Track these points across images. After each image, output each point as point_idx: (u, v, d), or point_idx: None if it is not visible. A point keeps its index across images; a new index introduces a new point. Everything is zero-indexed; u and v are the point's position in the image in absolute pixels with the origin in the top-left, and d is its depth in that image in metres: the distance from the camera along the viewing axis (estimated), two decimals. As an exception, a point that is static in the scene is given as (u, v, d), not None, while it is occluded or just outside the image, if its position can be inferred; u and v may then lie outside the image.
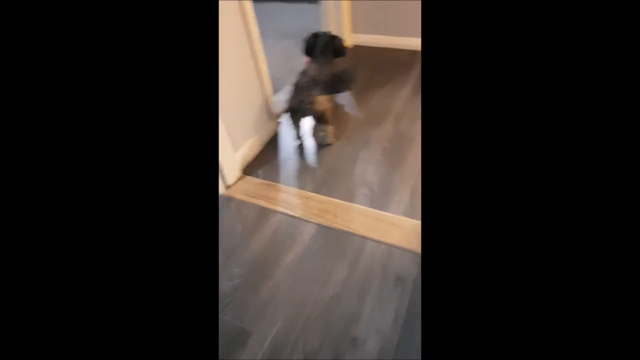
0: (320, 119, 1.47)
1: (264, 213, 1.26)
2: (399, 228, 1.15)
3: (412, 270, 1.03)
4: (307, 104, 1.38)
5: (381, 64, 1.98)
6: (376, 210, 1.21)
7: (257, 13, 1.45)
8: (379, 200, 1.25)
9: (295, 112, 1.43)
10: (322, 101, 1.43)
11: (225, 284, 1.05)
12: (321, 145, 1.52)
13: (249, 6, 1.27)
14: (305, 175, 1.39)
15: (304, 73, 1.45)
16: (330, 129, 1.51)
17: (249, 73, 1.39)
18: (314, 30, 1.60)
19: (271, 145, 1.56)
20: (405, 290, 0.99)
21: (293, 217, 1.23)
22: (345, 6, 2.05)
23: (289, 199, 1.30)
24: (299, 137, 1.53)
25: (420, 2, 1.88)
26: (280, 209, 1.26)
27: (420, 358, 0.86)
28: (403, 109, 1.64)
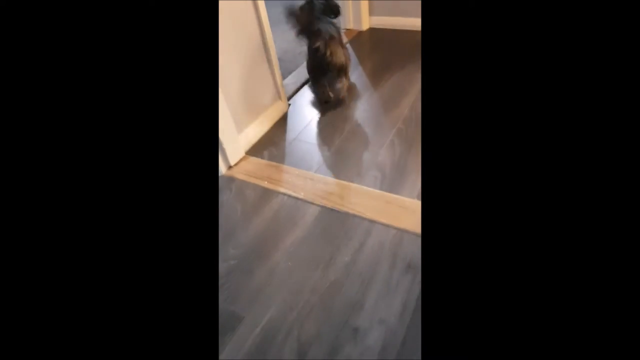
0: (339, 72, 1.44)
1: (266, 194, 1.18)
2: (410, 211, 1.04)
3: (425, 257, 0.92)
4: (327, 57, 1.37)
5: (399, 46, 1.87)
6: (386, 193, 1.11)
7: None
8: (391, 183, 1.14)
9: (318, 67, 1.42)
10: (340, 54, 1.41)
11: (220, 265, 0.98)
12: (338, 100, 1.52)
13: None
14: (312, 156, 1.30)
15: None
16: (346, 82, 1.50)
17: (256, 53, 1.32)
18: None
19: (279, 126, 1.48)
20: (415, 278, 0.88)
21: (296, 198, 1.14)
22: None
23: (293, 180, 1.21)
24: (323, 93, 1.50)
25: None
26: (282, 190, 1.18)
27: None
28: (420, 91, 1.52)
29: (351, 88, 1.61)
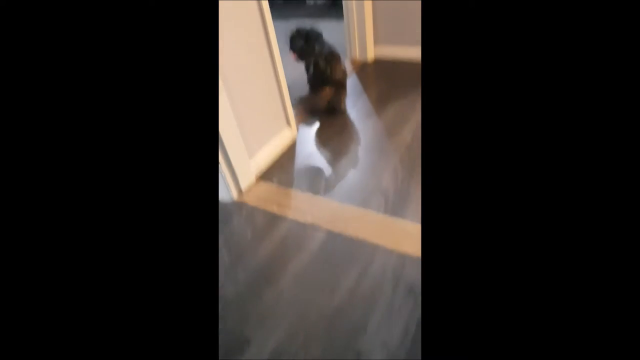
0: (338, 86, 1.68)
1: (275, 219, 1.23)
2: (413, 236, 1.07)
3: (426, 281, 0.95)
4: (326, 72, 1.63)
5: (402, 76, 1.95)
6: (390, 218, 1.15)
7: (281, 28, 1.51)
8: (394, 208, 1.19)
9: (319, 80, 1.66)
10: (338, 70, 1.66)
11: (228, 290, 1.02)
12: (336, 110, 1.73)
13: (268, 15, 1.29)
14: (319, 181, 1.36)
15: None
16: (344, 96, 1.74)
17: (267, 81, 1.41)
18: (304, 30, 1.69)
19: (288, 152, 1.55)
20: (417, 302, 0.91)
21: (303, 223, 1.20)
22: (369, 17, 2.06)
23: (301, 205, 1.27)
24: (322, 103, 1.72)
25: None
26: (291, 215, 1.23)
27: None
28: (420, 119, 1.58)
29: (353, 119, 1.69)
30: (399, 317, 0.89)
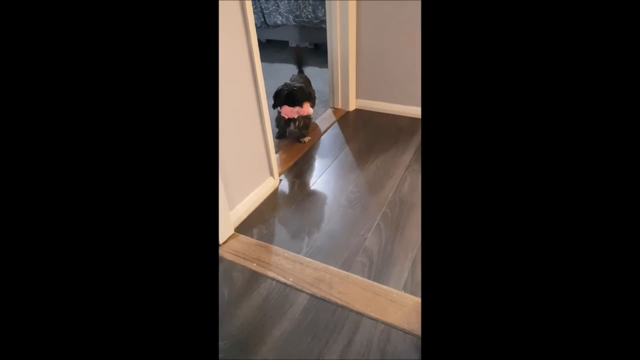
0: (304, 124, 1.85)
1: (254, 277, 1.18)
2: (398, 305, 1.06)
3: (413, 356, 0.93)
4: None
5: (383, 128, 2.02)
6: (374, 283, 1.13)
7: (268, 73, 1.53)
8: (378, 271, 1.18)
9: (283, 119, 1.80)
10: (306, 107, 1.78)
11: (203, 360, 0.94)
12: (298, 139, 1.91)
13: (258, 61, 1.29)
14: (302, 237, 1.33)
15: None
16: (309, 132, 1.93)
17: (253, 130, 1.39)
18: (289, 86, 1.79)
19: (269, 202, 1.52)
20: (404, 381, 0.88)
21: (285, 284, 1.15)
22: (352, 73, 2.14)
23: (282, 263, 1.22)
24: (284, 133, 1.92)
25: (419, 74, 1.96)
26: (271, 274, 1.18)
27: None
28: (404, 175, 1.63)
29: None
30: (386, 399, 0.85)
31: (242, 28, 1.20)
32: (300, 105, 1.76)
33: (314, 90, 2.03)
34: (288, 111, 1.76)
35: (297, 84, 1.78)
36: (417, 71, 1.98)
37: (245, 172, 1.40)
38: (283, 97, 1.75)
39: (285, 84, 1.78)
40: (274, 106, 1.79)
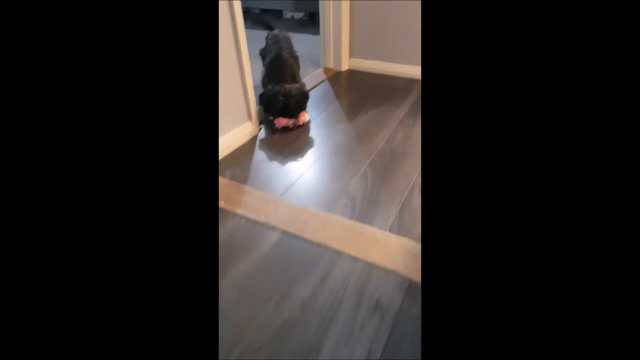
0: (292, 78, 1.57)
1: (221, 214, 1.04)
2: (382, 245, 0.93)
3: (395, 296, 0.80)
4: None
5: (377, 87, 1.89)
6: (357, 223, 1.00)
7: (260, 39, 1.63)
8: (362, 213, 1.04)
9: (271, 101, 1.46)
10: (302, 117, 1.50)
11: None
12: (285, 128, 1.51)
13: (237, 4, 1.18)
14: (279, 181, 1.19)
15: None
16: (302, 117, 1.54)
17: (230, 69, 1.26)
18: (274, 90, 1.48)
19: (247, 148, 1.38)
20: (384, 321, 0.75)
21: (255, 222, 1.01)
22: (345, 27, 2.00)
23: (254, 202, 1.08)
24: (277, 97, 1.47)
25: (418, 30, 1.84)
26: (241, 211, 1.04)
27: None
28: (397, 128, 1.50)
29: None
30: (361, 338, 0.71)
31: None
32: (297, 117, 1.49)
33: (295, 50, 1.82)
34: (283, 122, 1.47)
35: (294, 90, 1.46)
36: (415, 27, 1.85)
37: (221, 110, 1.26)
38: (278, 108, 1.43)
39: (278, 89, 1.45)
40: (267, 112, 1.49)
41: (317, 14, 3.14)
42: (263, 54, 1.80)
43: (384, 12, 1.89)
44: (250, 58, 1.33)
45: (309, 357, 0.68)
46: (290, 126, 1.50)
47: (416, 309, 0.77)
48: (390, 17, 1.89)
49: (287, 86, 1.47)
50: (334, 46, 2.06)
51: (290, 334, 0.72)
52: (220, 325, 0.74)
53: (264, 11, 3.50)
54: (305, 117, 1.53)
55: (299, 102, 1.47)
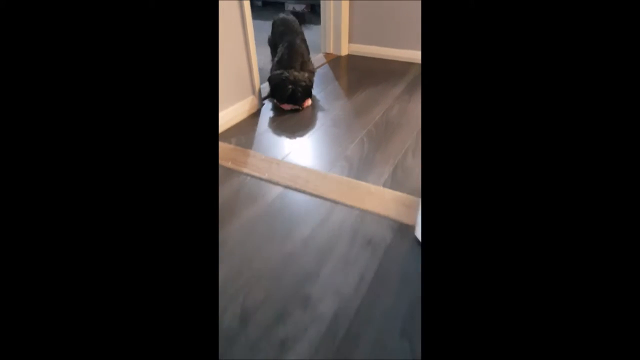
0: (302, 64, 1.58)
1: (228, 173, 1.12)
2: (376, 196, 1.01)
3: (386, 235, 0.88)
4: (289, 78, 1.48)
5: (375, 70, 1.97)
6: (353, 180, 1.08)
7: (263, 29, 1.47)
8: (358, 173, 1.13)
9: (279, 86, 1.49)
10: (307, 103, 1.56)
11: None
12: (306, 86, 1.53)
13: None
14: (281, 147, 1.27)
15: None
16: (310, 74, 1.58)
17: (236, 46, 1.35)
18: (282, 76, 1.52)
19: (250, 120, 1.46)
20: (375, 253, 0.83)
21: (260, 179, 1.10)
22: (345, 21, 2.09)
23: (259, 163, 1.17)
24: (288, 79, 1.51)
25: (415, 16, 1.92)
26: (247, 170, 1.13)
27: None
28: (393, 103, 1.58)
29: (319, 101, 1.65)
30: (354, 267, 0.80)
31: None
32: (302, 104, 1.55)
33: (302, 32, 1.85)
34: (287, 107, 1.54)
35: (303, 81, 1.49)
36: (412, 13, 1.94)
37: (226, 84, 1.35)
38: (285, 96, 1.48)
39: (287, 75, 1.48)
40: (274, 97, 1.54)
41: (318, 5, 3.24)
42: (272, 42, 1.75)
43: (381, -3, 1.98)
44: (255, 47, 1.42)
45: (307, 281, 0.76)
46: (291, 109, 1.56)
47: (405, 244, 0.85)
48: (388, 4, 1.97)
49: (297, 74, 1.49)
50: (334, 32, 2.15)
51: (292, 264, 0.81)
52: (227, 259, 0.82)
53: (267, 3, 3.60)
54: (309, 102, 1.59)
55: (306, 91, 1.51)
